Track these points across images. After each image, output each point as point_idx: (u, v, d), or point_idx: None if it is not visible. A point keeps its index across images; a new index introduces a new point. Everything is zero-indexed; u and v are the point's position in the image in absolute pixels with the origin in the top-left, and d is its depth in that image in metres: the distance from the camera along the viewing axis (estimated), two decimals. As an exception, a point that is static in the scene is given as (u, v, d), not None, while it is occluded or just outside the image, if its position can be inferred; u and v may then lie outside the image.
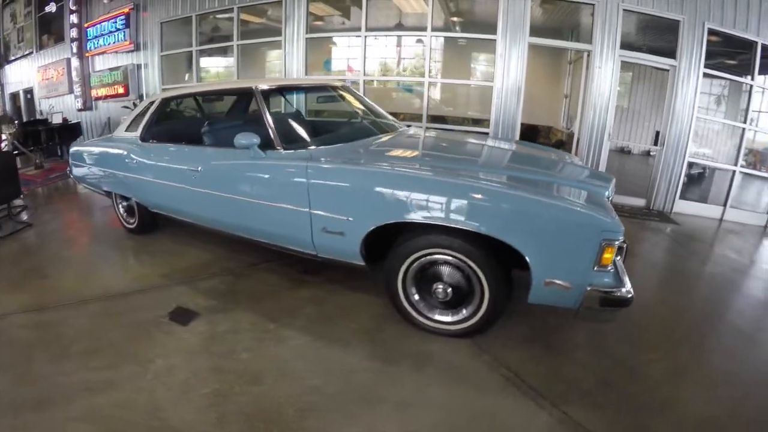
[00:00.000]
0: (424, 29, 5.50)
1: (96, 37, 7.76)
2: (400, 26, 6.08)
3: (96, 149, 3.94)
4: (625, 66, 5.28)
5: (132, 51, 7.45)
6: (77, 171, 4.17)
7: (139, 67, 7.53)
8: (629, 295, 1.77)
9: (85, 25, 7.94)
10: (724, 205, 5.29)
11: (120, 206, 3.89)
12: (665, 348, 2.27)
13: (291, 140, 2.58)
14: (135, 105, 6.83)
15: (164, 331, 2.32)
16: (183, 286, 2.82)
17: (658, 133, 5.34)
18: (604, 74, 5.10)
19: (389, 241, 2.22)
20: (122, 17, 7.30)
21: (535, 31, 5.13)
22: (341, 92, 3.55)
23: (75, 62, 8.17)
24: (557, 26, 5.60)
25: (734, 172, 5.24)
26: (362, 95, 3.67)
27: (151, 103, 3.50)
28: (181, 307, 2.54)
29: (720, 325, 2.64)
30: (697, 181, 5.58)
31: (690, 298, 2.97)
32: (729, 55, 5.41)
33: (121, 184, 3.58)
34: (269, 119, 2.59)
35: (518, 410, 1.75)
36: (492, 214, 1.87)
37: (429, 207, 1.98)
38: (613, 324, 2.25)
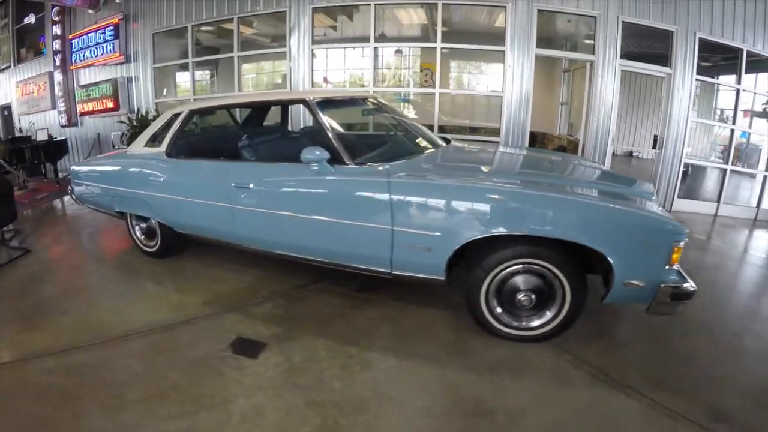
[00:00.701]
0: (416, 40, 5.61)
1: (82, 49, 7.40)
2: (403, 38, 6.15)
3: (107, 167, 3.66)
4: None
5: (122, 63, 7.16)
6: (81, 191, 3.88)
7: (129, 80, 7.26)
8: (692, 289, 1.97)
9: (69, 37, 7.57)
10: (718, 201, 5.66)
11: (136, 228, 3.63)
12: (705, 332, 2.49)
13: (357, 155, 2.51)
14: (130, 119, 6.59)
15: (233, 366, 2.14)
16: (234, 314, 2.63)
17: (656, 137, 5.64)
18: (607, 83, 5.35)
19: (466, 253, 2.24)
20: (111, 28, 7.01)
21: (539, 42, 5.33)
22: (377, 104, 3.48)
23: (58, 76, 7.75)
24: (559, 37, 5.80)
25: (726, 170, 5.61)
26: (393, 108, 3.69)
27: (175, 115, 3.28)
28: (242, 338, 2.37)
29: (742, 308, 2.98)
30: (691, 180, 5.93)
31: (710, 287, 3.17)
32: (708, 59, 5.78)
33: (142, 204, 3.33)
34: (331, 132, 2.52)
35: (612, 401, 1.89)
36: (587, 224, 2.01)
37: (526, 220, 2.07)
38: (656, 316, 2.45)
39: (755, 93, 5.77)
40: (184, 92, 7.30)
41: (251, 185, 2.68)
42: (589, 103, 5.48)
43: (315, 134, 3.83)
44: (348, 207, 2.39)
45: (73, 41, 7.52)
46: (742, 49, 5.31)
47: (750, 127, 5.94)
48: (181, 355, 2.25)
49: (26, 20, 8.07)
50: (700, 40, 5.24)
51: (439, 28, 5.44)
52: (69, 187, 4.14)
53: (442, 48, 5.52)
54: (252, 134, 3.39)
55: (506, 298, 2.24)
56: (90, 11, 7.26)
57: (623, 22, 5.20)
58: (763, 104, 5.94)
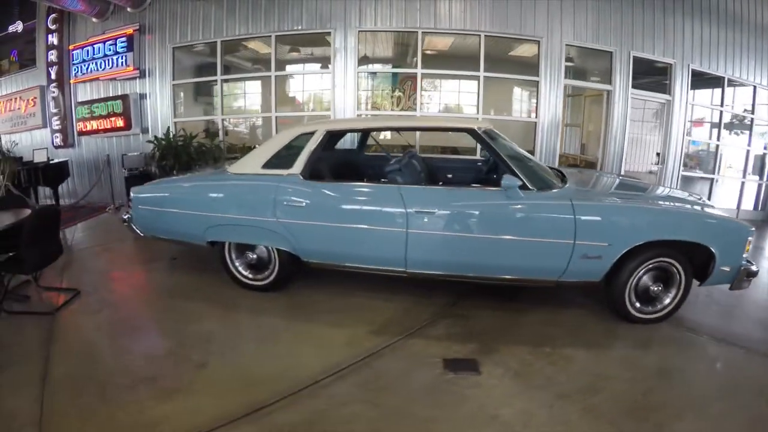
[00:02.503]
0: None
1: (85, 61, 6.74)
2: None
3: (204, 193, 3.36)
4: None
5: (135, 78, 6.68)
6: (149, 219, 3.52)
7: (143, 96, 6.78)
8: (757, 269, 2.82)
9: (69, 47, 6.87)
10: (705, 207, 6.77)
11: (237, 261, 3.36)
12: (756, 303, 3.44)
13: (533, 182, 2.86)
14: (157, 139, 6.16)
15: (468, 385, 2.26)
16: (417, 339, 2.69)
17: (658, 153, 6.60)
18: (620, 110, 6.17)
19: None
20: (123, 39, 6.48)
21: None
22: (497, 134, 3.64)
23: (53, 90, 6.95)
24: (578, 69, 6.51)
25: (713, 179, 6.76)
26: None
27: (305, 134, 3.18)
28: (449, 359, 2.46)
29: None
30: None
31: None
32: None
33: (265, 233, 3.11)
34: (511, 162, 2.88)
35: (723, 350, 2.74)
36: (707, 230, 2.78)
37: (675, 229, 2.75)
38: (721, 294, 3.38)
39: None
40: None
41: (436, 210, 2.86)
42: (607, 127, 6.26)
43: (413, 158, 4.05)
44: (538, 226, 2.81)
45: (73, 52, 6.84)
46: (724, 78, 6.45)
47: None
48: (405, 388, 2.22)
49: (11, 28, 7.14)
50: (692, 70, 6.29)
51: (482, 59, 5.88)
52: (126, 215, 3.77)
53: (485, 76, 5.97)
54: (403, 159, 3.45)
55: (640, 290, 2.89)
56: (94, 20, 6.67)
57: (634, 56, 6.06)
58: (731, 118, 7.21)
